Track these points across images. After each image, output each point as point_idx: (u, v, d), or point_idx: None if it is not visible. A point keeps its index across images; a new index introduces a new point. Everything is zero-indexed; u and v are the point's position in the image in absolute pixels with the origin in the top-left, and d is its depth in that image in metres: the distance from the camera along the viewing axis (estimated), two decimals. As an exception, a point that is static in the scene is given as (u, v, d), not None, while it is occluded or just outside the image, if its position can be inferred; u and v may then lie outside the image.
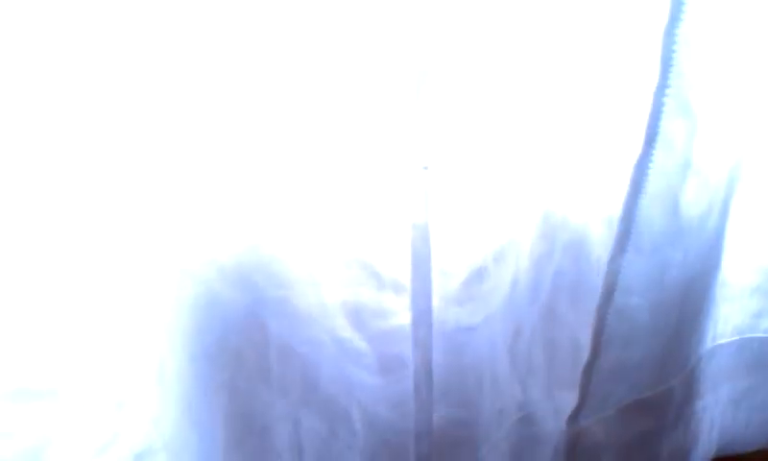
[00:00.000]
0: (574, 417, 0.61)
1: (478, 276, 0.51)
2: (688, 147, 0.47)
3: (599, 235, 0.53)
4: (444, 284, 0.50)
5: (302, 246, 0.48)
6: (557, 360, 0.59)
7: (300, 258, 0.47)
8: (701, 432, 0.70)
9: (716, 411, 0.71)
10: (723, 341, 0.67)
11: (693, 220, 0.51)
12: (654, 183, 0.47)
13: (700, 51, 0.44)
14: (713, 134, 0.48)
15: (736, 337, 0.68)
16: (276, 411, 0.51)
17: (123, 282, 0.42)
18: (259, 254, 0.46)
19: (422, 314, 0.51)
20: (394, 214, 0.48)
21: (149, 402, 0.39)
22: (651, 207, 0.48)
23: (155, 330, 0.41)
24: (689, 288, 0.57)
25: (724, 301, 0.65)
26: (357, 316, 0.50)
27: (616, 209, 0.50)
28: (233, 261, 0.45)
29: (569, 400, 0.60)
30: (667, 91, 0.43)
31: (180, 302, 0.42)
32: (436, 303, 0.51)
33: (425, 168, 0.46)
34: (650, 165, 0.46)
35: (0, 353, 0.39)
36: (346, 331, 0.51)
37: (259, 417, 0.51)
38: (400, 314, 0.51)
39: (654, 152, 0.46)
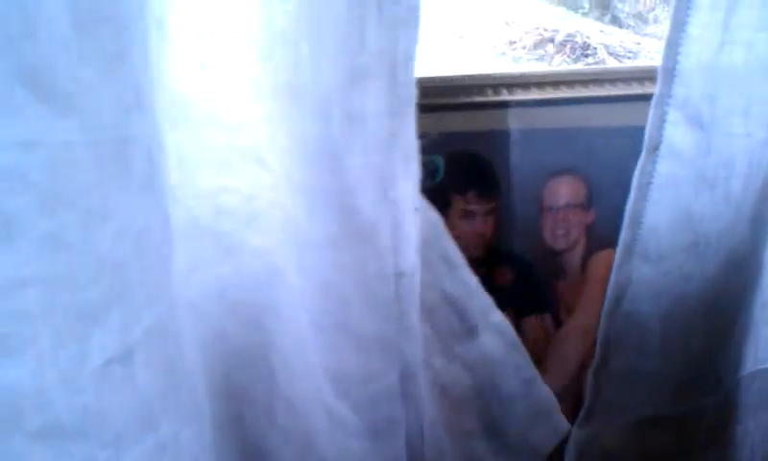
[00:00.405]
0: (586, 419, 0.61)
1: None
2: (701, 160, 0.46)
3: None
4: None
5: (282, 300, 0.43)
6: (439, 319, 0.55)
7: (280, 314, 0.43)
8: (741, 459, 0.67)
9: (757, 437, 0.67)
10: (767, 365, 0.64)
11: (711, 235, 0.50)
12: (659, 193, 0.47)
13: (712, 60, 0.43)
14: (732, 149, 0.47)
15: (781, 362, 0.64)
16: (283, 457, 0.48)
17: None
18: (268, 293, 0.42)
19: (410, 369, 0.47)
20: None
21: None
22: (657, 217, 0.48)
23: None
24: (714, 305, 0.55)
25: (767, 323, 0.62)
26: (340, 384, 0.47)
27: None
28: (244, 299, 0.42)
29: (472, 348, 0.57)
30: (670, 101, 0.43)
31: (191, 339, 0.38)
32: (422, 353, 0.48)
33: (416, 209, 0.42)
34: (654, 174, 0.46)
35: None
36: (330, 398, 0.47)
37: (268, 459, 0.47)
38: (388, 374, 0.47)
39: (658, 160, 0.45)
